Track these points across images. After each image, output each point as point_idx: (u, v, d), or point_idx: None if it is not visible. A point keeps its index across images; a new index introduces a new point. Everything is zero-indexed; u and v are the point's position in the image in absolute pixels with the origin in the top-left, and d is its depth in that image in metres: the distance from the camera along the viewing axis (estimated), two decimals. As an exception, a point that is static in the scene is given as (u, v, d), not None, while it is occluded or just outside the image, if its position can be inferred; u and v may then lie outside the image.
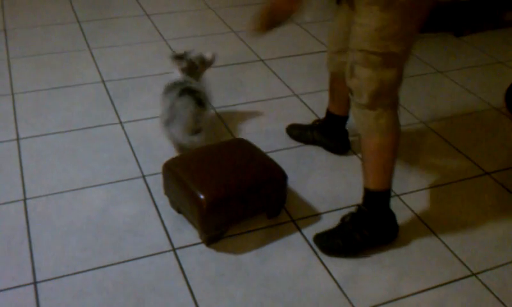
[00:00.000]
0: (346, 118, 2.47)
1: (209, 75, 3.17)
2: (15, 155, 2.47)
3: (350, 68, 1.88)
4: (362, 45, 1.81)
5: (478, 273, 1.99)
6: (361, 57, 1.82)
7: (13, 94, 2.93)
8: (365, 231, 2.02)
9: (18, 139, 2.57)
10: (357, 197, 2.07)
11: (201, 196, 1.94)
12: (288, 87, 3.12)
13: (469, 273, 1.99)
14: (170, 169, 2.10)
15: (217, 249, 2.02)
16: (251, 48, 3.56)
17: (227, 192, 1.99)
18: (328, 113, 2.51)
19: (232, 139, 2.26)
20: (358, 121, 1.96)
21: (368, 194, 2.02)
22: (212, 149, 2.21)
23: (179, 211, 2.14)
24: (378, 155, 1.95)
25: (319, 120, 2.61)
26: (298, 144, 2.62)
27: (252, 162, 2.13)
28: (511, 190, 2.41)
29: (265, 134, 2.68)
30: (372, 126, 1.91)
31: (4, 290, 1.84)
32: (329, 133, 2.55)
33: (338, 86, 2.33)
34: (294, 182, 2.33)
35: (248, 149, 2.21)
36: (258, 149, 2.22)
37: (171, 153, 2.45)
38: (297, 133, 2.64)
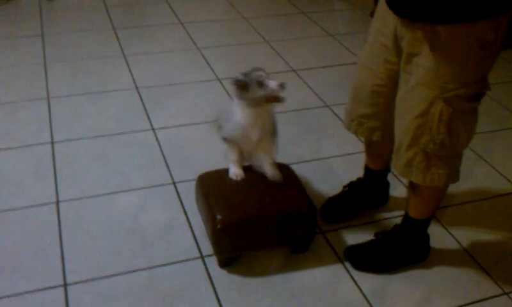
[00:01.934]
0: (388, 170, 2.24)
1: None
2: (49, 158, 2.51)
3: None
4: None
5: (510, 292, 1.95)
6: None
7: (48, 98, 2.98)
8: (397, 252, 2.00)
9: (52, 142, 2.62)
10: (389, 210, 2.05)
11: (218, 216, 1.90)
12: (320, 98, 3.11)
13: (501, 292, 1.95)
14: (201, 182, 2.09)
15: (245, 259, 2.02)
16: (283, 58, 3.57)
17: (245, 217, 1.91)
18: (367, 170, 2.24)
19: (276, 163, 2.14)
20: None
21: (408, 220, 1.98)
22: (250, 170, 2.08)
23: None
24: (430, 193, 1.90)
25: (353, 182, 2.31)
26: (329, 154, 2.61)
27: (284, 191, 1.99)
28: (546, 209, 2.36)
29: (296, 144, 2.67)
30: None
31: (35, 291, 1.87)
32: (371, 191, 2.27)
33: (378, 147, 2.12)
34: (323, 192, 2.32)
35: (286, 176, 2.05)
36: (296, 178, 2.09)
37: (202, 160, 2.47)
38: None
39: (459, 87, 1.62)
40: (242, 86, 1.87)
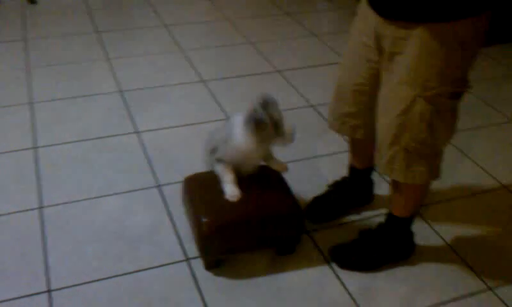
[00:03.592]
0: (372, 169, 2.24)
1: (225, 88, 3.19)
2: (33, 163, 2.49)
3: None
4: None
5: (494, 287, 1.96)
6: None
7: (32, 103, 2.96)
8: (382, 249, 2.01)
9: (36, 147, 2.60)
10: (374, 208, 2.06)
11: (204, 219, 1.89)
12: (304, 98, 3.12)
13: (485, 287, 1.97)
14: (187, 185, 2.09)
15: (231, 261, 2.01)
16: (267, 59, 3.57)
17: (231, 219, 1.89)
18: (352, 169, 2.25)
19: (261, 166, 2.05)
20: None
21: (392, 218, 2.00)
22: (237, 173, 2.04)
23: (193, 223, 2.13)
24: (412, 191, 1.91)
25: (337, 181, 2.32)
26: (313, 154, 2.62)
27: (269, 193, 1.98)
28: (529, 204, 2.38)
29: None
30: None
31: (19, 298, 1.85)
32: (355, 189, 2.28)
33: (361, 145, 2.13)
34: (309, 192, 2.32)
35: (273, 179, 2.04)
36: (282, 179, 2.06)
37: (186, 163, 2.47)
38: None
39: (440, 85, 1.63)
40: (259, 124, 1.81)
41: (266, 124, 1.80)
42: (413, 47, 1.61)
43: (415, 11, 1.57)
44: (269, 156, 2.01)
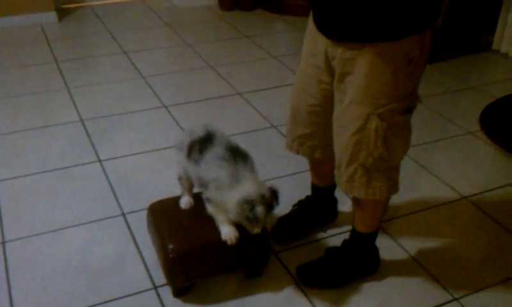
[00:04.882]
0: (334, 186, 2.24)
1: (187, 112, 3.20)
2: (-7, 198, 2.45)
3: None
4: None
5: (460, 298, 2.00)
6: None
7: (-10, 136, 2.92)
8: (349, 266, 2.03)
9: (-4, 181, 2.56)
10: (339, 225, 2.08)
11: (170, 246, 1.88)
12: (266, 119, 3.15)
13: (451, 298, 2.00)
14: (152, 212, 2.08)
15: (200, 287, 2.01)
16: (228, 81, 3.60)
17: (197, 244, 1.89)
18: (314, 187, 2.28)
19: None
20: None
21: (355, 234, 2.02)
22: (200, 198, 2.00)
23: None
24: (374, 206, 1.95)
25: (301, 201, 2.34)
26: (277, 174, 2.64)
27: None
28: (487, 213, 2.44)
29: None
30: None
31: (-17, 336, 1.81)
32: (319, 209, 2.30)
33: (321, 165, 2.15)
34: (275, 212, 2.33)
35: None
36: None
37: (151, 189, 2.46)
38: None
39: (391, 102, 1.68)
40: (250, 220, 1.80)
41: (258, 222, 1.81)
42: (361, 66, 1.66)
43: (360, 32, 1.62)
44: None
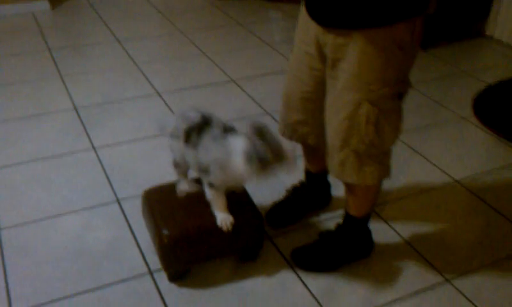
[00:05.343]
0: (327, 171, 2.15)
1: (180, 99, 3.20)
2: (-12, 185, 2.46)
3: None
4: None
5: (452, 279, 2.03)
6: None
7: (-16, 125, 2.92)
8: (342, 249, 2.05)
9: (-10, 169, 2.56)
10: (332, 210, 2.10)
11: (164, 231, 1.89)
12: (260, 105, 3.16)
13: (443, 280, 2.03)
14: (147, 198, 2.09)
15: (195, 271, 2.02)
16: (222, 68, 3.60)
17: (191, 230, 1.90)
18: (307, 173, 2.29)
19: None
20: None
21: (349, 218, 2.04)
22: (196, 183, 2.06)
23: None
24: (366, 191, 1.96)
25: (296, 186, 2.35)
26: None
27: (230, 202, 1.94)
28: (479, 196, 2.46)
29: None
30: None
31: (-20, 322, 1.82)
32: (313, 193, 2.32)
33: (314, 150, 2.13)
34: (268, 198, 2.35)
35: None
36: (243, 189, 2.06)
37: (145, 176, 2.47)
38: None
39: (382, 87, 1.69)
40: (261, 161, 1.70)
41: (268, 160, 1.71)
42: (353, 52, 1.66)
43: (351, 19, 1.63)
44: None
